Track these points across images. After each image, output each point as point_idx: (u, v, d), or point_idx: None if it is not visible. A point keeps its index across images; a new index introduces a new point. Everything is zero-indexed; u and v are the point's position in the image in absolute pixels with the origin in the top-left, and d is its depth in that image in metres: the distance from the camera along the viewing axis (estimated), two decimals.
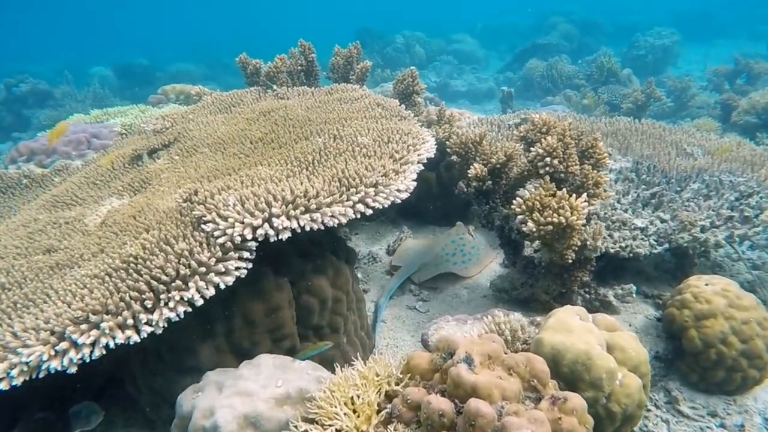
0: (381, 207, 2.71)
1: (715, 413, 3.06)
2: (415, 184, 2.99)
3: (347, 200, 2.62)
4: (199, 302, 2.26)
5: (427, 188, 4.97)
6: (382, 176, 2.80)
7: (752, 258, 4.65)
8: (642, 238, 3.63)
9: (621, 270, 4.00)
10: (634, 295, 3.48)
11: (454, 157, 3.84)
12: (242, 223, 2.41)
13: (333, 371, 2.29)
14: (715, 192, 4.02)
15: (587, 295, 3.47)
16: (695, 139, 4.76)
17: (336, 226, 2.56)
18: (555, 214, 2.75)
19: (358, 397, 1.99)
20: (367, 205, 2.66)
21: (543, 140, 3.04)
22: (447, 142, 3.96)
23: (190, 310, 2.26)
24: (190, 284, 2.26)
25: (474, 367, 1.93)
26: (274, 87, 4.86)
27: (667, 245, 3.59)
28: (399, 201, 2.81)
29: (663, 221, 3.80)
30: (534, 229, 2.81)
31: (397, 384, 2.09)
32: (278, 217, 2.43)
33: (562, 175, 3.07)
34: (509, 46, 19.91)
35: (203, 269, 2.31)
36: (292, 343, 2.75)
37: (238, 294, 2.62)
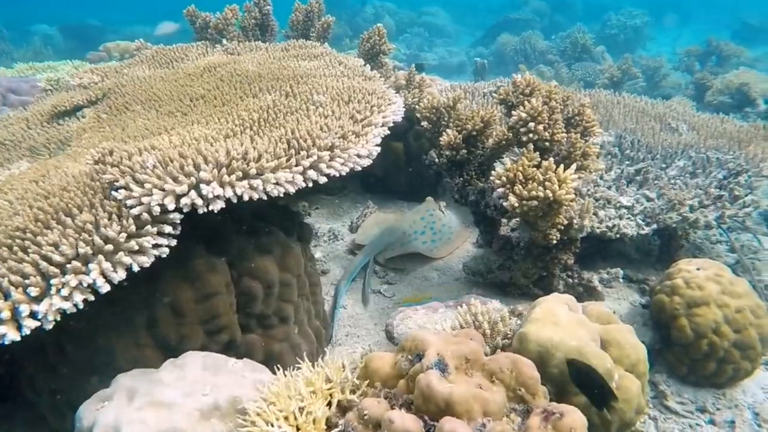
0: (337, 174, 2.27)
1: (704, 408, 2.79)
2: (378, 149, 2.55)
3: (296, 165, 2.17)
4: (105, 288, 1.79)
5: (395, 159, 4.54)
6: (339, 138, 2.35)
7: (729, 241, 4.44)
8: (628, 218, 3.30)
9: (602, 252, 3.69)
10: (620, 280, 3.15)
11: (424, 123, 3.41)
12: (162, 190, 1.93)
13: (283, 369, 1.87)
14: (702, 170, 3.72)
15: (570, 280, 3.13)
16: (679, 114, 4.46)
17: (282, 195, 2.11)
18: (540, 188, 2.37)
19: (302, 411, 1.57)
20: (320, 172, 2.22)
21: (526, 103, 2.64)
22: (417, 107, 3.53)
23: (92, 298, 1.78)
24: (92, 266, 1.77)
25: (448, 374, 1.54)
26: (224, 41, 4.31)
27: (655, 225, 3.27)
28: (359, 168, 2.38)
29: (649, 200, 3.48)
30: (516, 205, 2.42)
31: (352, 392, 1.68)
32: (208, 183, 1.95)
33: (547, 143, 2.69)
34: (481, 23, 19.47)
35: (110, 247, 1.83)
36: (231, 335, 2.30)
37: (162, 277, 2.15)
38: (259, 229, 2.44)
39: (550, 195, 2.33)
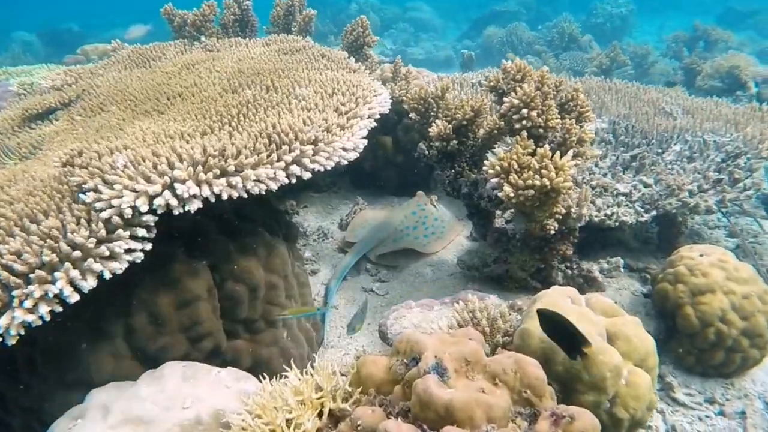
0: (322, 169, 2.14)
1: (713, 399, 2.70)
2: (365, 142, 2.43)
3: (278, 161, 2.04)
4: (73, 298, 1.65)
5: (384, 154, 4.42)
6: (323, 131, 2.22)
7: (728, 225, 4.36)
8: (627, 205, 3.20)
9: (600, 241, 3.59)
10: (621, 270, 3.05)
11: (412, 115, 3.29)
12: (134, 190, 1.79)
13: (271, 378, 1.75)
14: (700, 153, 3.62)
15: (569, 271, 3.02)
16: (672, 98, 4.36)
17: (264, 193, 1.98)
18: (536, 176, 2.25)
19: (290, 423, 1.45)
20: (304, 167, 2.09)
21: (518, 89, 2.52)
22: (404, 98, 3.40)
23: (59, 309, 1.64)
24: (58, 274, 1.64)
25: (447, 378, 1.42)
26: (202, 38, 4.16)
27: (654, 212, 3.17)
28: (345, 162, 2.25)
29: (647, 186, 3.38)
30: (511, 194, 2.31)
31: (345, 400, 1.56)
32: (183, 182, 1.82)
33: (541, 130, 2.57)
34: (466, 17, 19.34)
35: (78, 253, 1.70)
36: (216, 342, 2.17)
37: (139, 283, 2.02)
38: (241, 229, 2.31)
39: (547, 183, 2.22)
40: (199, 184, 1.85)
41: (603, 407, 1.81)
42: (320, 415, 1.53)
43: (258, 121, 2.33)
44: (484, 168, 2.45)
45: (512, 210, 3.24)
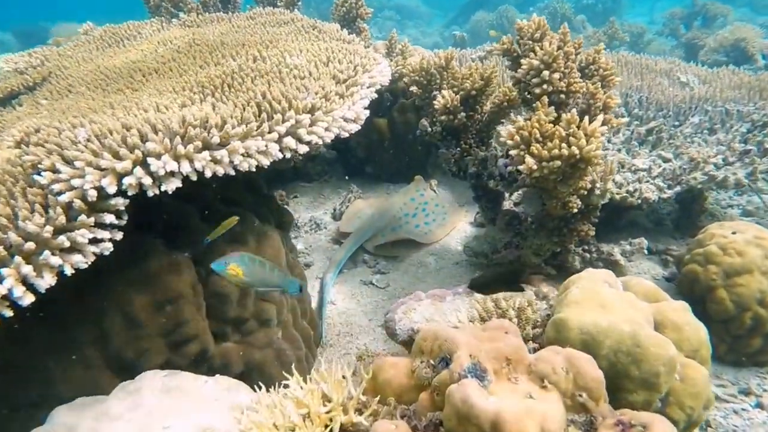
0: (320, 142, 1.86)
1: (749, 390, 2.46)
2: (367, 113, 2.15)
3: (269, 132, 1.75)
4: (26, 299, 1.36)
5: (379, 138, 4.13)
6: (320, 99, 1.94)
7: (742, 204, 4.14)
8: (647, 181, 2.96)
9: (614, 222, 3.34)
10: (645, 252, 2.81)
11: (413, 88, 3.01)
12: (99, 168, 1.50)
13: (266, 384, 1.48)
14: (721, 124, 3.39)
15: (587, 255, 2.77)
16: (687, 68, 4.12)
17: (254, 170, 1.70)
18: (564, 144, 1.99)
19: None
20: (299, 139, 1.81)
21: (537, 49, 2.25)
22: (403, 70, 3.12)
23: (8, 313, 1.35)
24: (6, 271, 1.35)
25: (488, 382, 1.15)
26: (181, 15, 3.85)
27: (678, 188, 2.92)
28: (346, 134, 1.97)
29: (666, 160, 3.14)
30: (534, 168, 2.04)
31: (359, 411, 1.29)
32: (158, 156, 1.53)
33: (562, 96, 2.31)
34: (453, 3, 19.04)
35: (31, 245, 1.40)
36: (202, 346, 1.89)
37: (111, 281, 1.73)
38: (228, 215, 2.02)
39: (577, 152, 1.95)
40: (177, 158, 1.56)
41: (655, 407, 1.56)
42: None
43: (245, 90, 2.04)
44: (502, 138, 2.18)
45: (521, 191, 2.99)
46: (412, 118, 3.98)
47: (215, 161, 1.61)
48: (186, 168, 1.55)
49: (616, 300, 1.67)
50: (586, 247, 2.79)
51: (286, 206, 4.17)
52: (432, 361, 1.26)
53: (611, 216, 3.21)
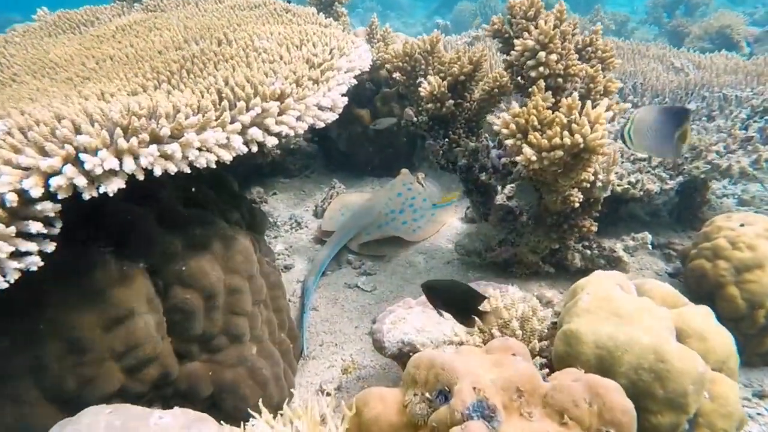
0: (292, 133, 1.62)
1: (763, 393, 2.30)
2: (345, 100, 1.91)
3: (231, 122, 1.51)
4: None
5: (361, 129, 3.89)
6: (291, 84, 1.70)
7: (737, 193, 3.99)
8: (648, 171, 2.77)
9: (611, 216, 3.15)
10: (649, 246, 2.62)
11: (396, 75, 2.77)
12: (20, 166, 1.25)
13: (241, 407, 1.25)
14: (720, 110, 3.21)
15: (588, 251, 2.57)
16: (678, 53, 3.95)
17: (214, 166, 1.46)
18: (566, 132, 1.78)
19: None
20: (267, 130, 1.57)
21: (532, 28, 2.04)
22: (385, 56, 2.89)
23: None
24: None
25: (497, 423, 0.93)
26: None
27: (680, 178, 2.74)
28: (321, 124, 1.74)
29: None
30: (533, 159, 1.83)
31: None
32: (94, 151, 1.28)
33: (560, 80, 2.10)
34: None
35: None
36: (162, 368, 1.65)
37: (50, 299, 1.48)
38: (190, 218, 1.78)
39: (580, 141, 1.74)
40: (118, 154, 1.31)
41: (682, 431, 1.36)
42: None
43: (206, 76, 1.79)
44: (496, 127, 1.96)
45: (513, 184, 2.79)
46: (395, 109, 3.76)
47: (166, 157, 1.37)
48: (130, 165, 1.31)
49: (633, 307, 1.47)
50: (586, 244, 2.60)
51: (264, 203, 3.93)
52: (428, 395, 1.04)
53: (609, 209, 3.03)
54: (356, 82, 2.14)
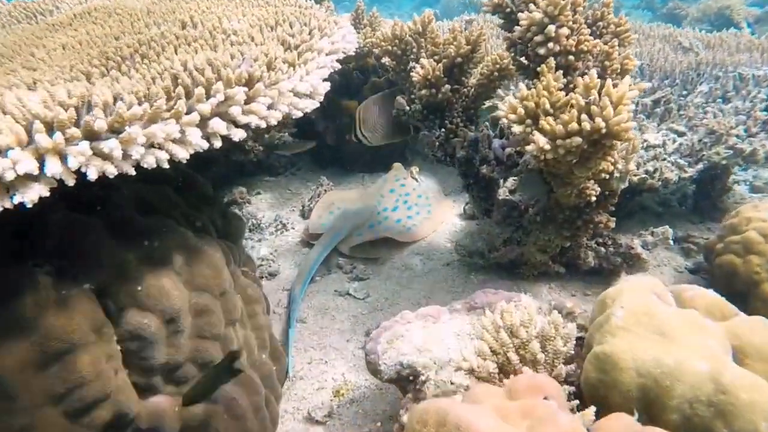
0: (263, 125, 1.36)
1: None
2: (327, 86, 1.65)
3: (187, 112, 1.24)
4: None
5: (350, 122, 3.61)
6: (261, 66, 1.43)
7: (749, 179, 3.77)
8: (664, 159, 2.53)
9: (623, 208, 2.91)
10: (671, 242, 2.38)
11: (386, 60, 2.51)
12: None
13: None
14: (736, 91, 2.98)
15: (602, 249, 2.33)
16: (684, 33, 3.71)
17: (166, 167, 1.19)
18: (584, 116, 1.52)
19: None
20: (232, 121, 1.30)
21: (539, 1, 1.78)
22: (373, 40, 2.63)
23: None
24: None
25: None
26: None
27: (700, 165, 2.50)
28: (299, 114, 1.47)
29: (681, 134, 2.71)
30: (546, 148, 1.57)
31: None
32: (4, 152, 1.01)
33: (571, 58, 1.84)
34: None
35: None
36: (116, 409, 1.38)
37: None
38: (146, 227, 1.51)
39: (602, 126, 1.49)
40: (39, 154, 1.04)
41: None
42: None
43: (161, 61, 1.52)
44: (501, 112, 1.70)
45: (516, 177, 2.54)
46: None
47: (102, 156, 1.10)
48: (54, 168, 1.04)
49: (678, 323, 1.22)
50: (600, 240, 2.35)
51: (247, 204, 3.65)
52: None
53: (620, 201, 2.79)
54: (339, 66, 1.88)
